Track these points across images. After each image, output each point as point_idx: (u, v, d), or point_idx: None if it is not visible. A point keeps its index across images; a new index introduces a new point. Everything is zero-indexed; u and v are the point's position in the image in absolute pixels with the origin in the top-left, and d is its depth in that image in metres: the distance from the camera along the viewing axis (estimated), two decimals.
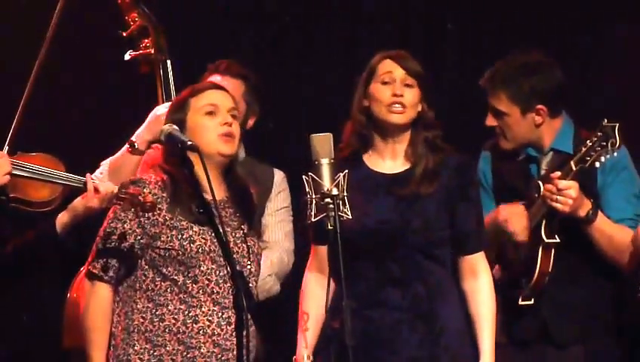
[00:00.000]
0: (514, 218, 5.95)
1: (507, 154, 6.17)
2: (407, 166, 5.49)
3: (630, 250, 5.90)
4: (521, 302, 5.92)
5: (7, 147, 5.39)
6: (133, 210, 5.34)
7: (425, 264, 5.45)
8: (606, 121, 5.78)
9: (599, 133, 5.76)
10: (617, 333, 6.08)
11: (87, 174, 5.39)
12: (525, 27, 7.87)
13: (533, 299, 5.95)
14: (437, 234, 5.45)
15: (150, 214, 5.31)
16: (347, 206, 5.08)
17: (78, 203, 5.33)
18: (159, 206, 5.32)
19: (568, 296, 6.03)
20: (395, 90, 5.44)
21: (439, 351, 5.41)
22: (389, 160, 5.55)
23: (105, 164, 5.97)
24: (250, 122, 6.05)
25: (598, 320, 6.04)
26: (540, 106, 6.00)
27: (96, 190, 5.30)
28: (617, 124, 5.78)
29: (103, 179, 5.79)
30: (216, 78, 6.04)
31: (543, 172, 6.09)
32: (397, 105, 5.42)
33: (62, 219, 5.40)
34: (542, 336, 6.02)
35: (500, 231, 5.95)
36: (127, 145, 5.88)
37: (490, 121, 5.95)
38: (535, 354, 6.04)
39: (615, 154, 5.77)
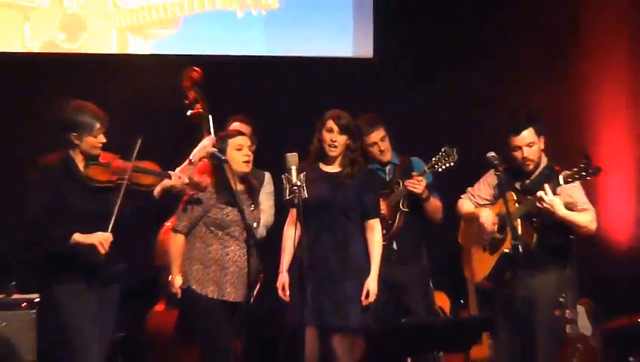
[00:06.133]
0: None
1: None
2: (339, 169, 5.79)
3: (442, 213, 6.25)
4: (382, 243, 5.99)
5: (135, 155, 5.38)
6: (193, 189, 5.63)
7: (344, 221, 5.73)
8: (448, 146, 6.11)
9: (443, 153, 6.10)
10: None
11: (169, 171, 5.61)
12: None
13: (387, 241, 6.17)
14: (352, 205, 5.74)
15: (206, 200, 5.64)
16: (305, 191, 5.39)
17: (166, 183, 5.54)
18: (210, 195, 5.65)
19: (410, 236, 6.31)
20: (332, 137, 5.76)
21: (348, 265, 5.70)
22: (330, 166, 5.81)
23: (177, 171, 5.85)
24: (253, 147, 6.14)
25: (424, 249, 6.41)
26: None
27: (180, 178, 5.53)
28: (456, 148, 6.09)
29: None
30: (236, 124, 6.41)
31: (389, 176, 6.32)
32: (333, 147, 5.77)
33: (157, 189, 5.56)
34: (394, 259, 6.22)
35: None
36: (187, 161, 6.01)
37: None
38: (389, 269, 6.05)
39: (452, 164, 6.07)
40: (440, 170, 6.17)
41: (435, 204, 6.34)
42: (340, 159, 5.83)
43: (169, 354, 6.40)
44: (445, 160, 6.13)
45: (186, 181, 5.59)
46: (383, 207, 6.20)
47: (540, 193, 5.54)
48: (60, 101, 5.58)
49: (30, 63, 7.77)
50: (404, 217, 6.28)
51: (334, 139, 5.77)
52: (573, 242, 5.95)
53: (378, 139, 6.34)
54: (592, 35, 8.48)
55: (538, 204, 5.55)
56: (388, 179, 6.38)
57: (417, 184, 6.18)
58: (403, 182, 6.23)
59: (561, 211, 5.58)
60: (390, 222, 6.27)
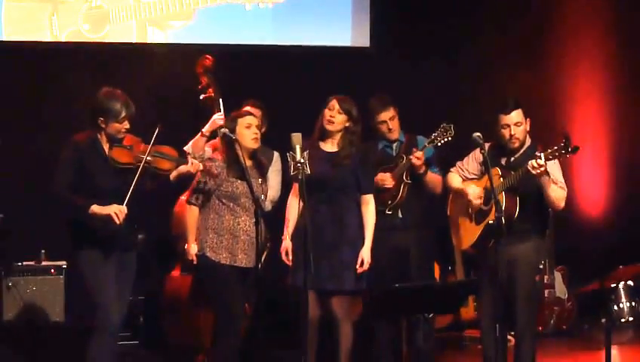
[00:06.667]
0: (384, 176, 6.18)
1: (373, 148, 6.26)
2: (337, 148, 5.81)
3: (441, 187, 6.21)
4: (387, 211, 6.20)
5: (154, 140, 5.37)
6: (206, 175, 5.65)
7: (340, 196, 5.76)
8: (445, 123, 6.09)
9: (441, 128, 6.09)
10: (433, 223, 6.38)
11: (189, 157, 5.59)
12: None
13: (392, 211, 6.23)
14: (348, 183, 5.78)
15: (215, 172, 5.62)
16: (307, 167, 5.41)
17: (182, 168, 5.54)
18: (222, 171, 5.65)
19: (411, 206, 6.26)
20: (332, 114, 5.78)
21: (344, 236, 5.72)
22: (329, 145, 5.83)
23: (190, 143, 6.10)
24: (263, 129, 6.22)
25: (425, 216, 6.33)
26: None
27: (193, 165, 5.52)
28: (452, 124, 6.08)
29: (188, 149, 6.02)
30: (247, 108, 6.20)
31: (395, 152, 6.30)
32: (330, 121, 5.79)
33: (173, 174, 5.56)
34: (398, 226, 6.25)
35: (377, 185, 6.10)
36: (200, 133, 6.10)
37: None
38: (395, 235, 6.18)
39: (450, 138, 6.08)
40: (439, 144, 6.19)
41: (433, 178, 6.34)
42: (339, 140, 5.85)
43: (184, 316, 6.43)
44: (444, 135, 6.15)
45: (200, 168, 5.61)
46: (390, 180, 6.25)
47: (532, 161, 5.51)
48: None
49: (58, 51, 7.88)
50: (407, 188, 6.28)
51: (333, 115, 5.80)
52: (550, 214, 5.98)
53: (387, 118, 6.34)
54: (567, 20, 8.55)
55: (530, 168, 5.49)
56: (394, 154, 6.39)
57: (416, 158, 6.22)
58: (407, 157, 6.26)
59: (547, 178, 5.57)
60: (395, 193, 6.28)
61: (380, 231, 6.05)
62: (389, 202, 6.24)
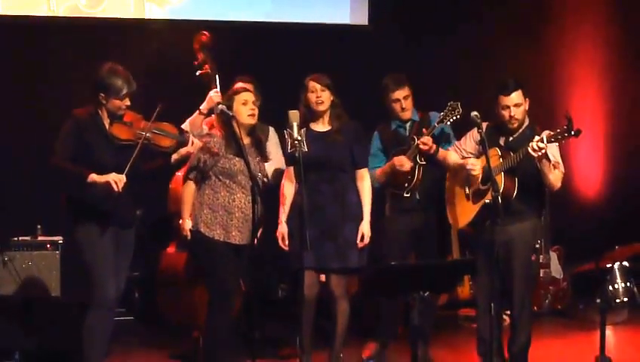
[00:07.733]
0: (402, 160, 6.15)
1: (386, 129, 6.34)
2: (328, 127, 5.86)
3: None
4: (405, 195, 6.20)
5: (154, 118, 5.37)
6: (206, 154, 5.63)
7: (339, 173, 5.81)
8: (452, 101, 6.05)
9: (449, 107, 6.05)
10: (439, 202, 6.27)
11: (189, 135, 5.59)
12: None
13: (410, 193, 6.21)
14: (344, 159, 5.81)
15: (215, 149, 5.64)
16: (304, 145, 5.43)
17: (183, 150, 5.58)
18: (220, 147, 5.67)
19: (427, 187, 6.21)
20: (317, 94, 5.79)
21: (345, 211, 5.78)
22: (320, 125, 5.87)
23: (188, 121, 6.20)
24: (258, 103, 5.91)
25: (435, 198, 6.23)
26: None
27: (193, 143, 5.54)
28: (459, 102, 6.03)
29: (186, 127, 6.09)
30: (240, 84, 6.08)
31: (408, 132, 6.27)
32: (320, 103, 5.80)
33: (174, 156, 5.63)
34: (417, 209, 6.24)
35: (394, 168, 6.15)
36: (197, 111, 6.18)
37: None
38: (413, 217, 6.21)
39: (458, 116, 6.02)
40: (449, 122, 6.18)
41: (446, 154, 6.18)
42: (327, 117, 5.88)
43: (179, 292, 6.42)
44: (452, 113, 6.11)
45: (200, 145, 5.62)
46: (408, 162, 6.21)
47: (536, 139, 5.46)
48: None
49: (54, 26, 7.82)
50: (422, 169, 6.26)
51: (319, 95, 5.83)
52: (547, 194, 5.92)
53: (401, 96, 6.31)
54: (568, 0, 8.57)
55: (531, 151, 5.44)
56: (407, 134, 6.35)
57: (423, 144, 6.17)
58: (417, 138, 6.21)
59: (547, 162, 5.54)
60: (410, 176, 6.27)
61: (399, 214, 6.18)
62: (406, 185, 6.25)
